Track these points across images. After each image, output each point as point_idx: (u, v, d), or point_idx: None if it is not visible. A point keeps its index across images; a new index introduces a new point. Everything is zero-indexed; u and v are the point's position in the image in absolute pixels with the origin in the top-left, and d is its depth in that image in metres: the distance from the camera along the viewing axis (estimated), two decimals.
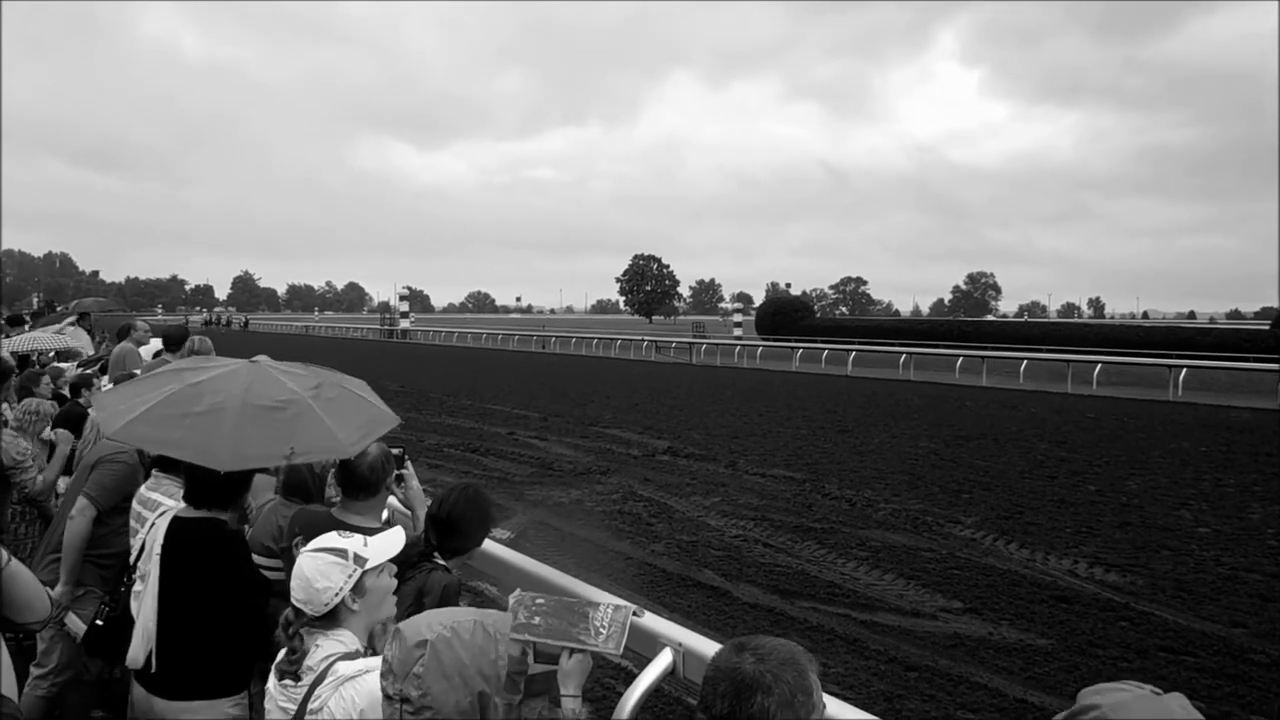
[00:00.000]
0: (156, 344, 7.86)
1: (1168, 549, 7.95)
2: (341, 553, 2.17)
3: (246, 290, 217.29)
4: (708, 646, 2.90)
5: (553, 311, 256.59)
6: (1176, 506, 9.68)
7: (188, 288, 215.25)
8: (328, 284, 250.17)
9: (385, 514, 3.09)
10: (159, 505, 3.17)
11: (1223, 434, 15.63)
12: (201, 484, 2.90)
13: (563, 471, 11.32)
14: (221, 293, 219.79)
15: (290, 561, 2.99)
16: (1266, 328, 48.44)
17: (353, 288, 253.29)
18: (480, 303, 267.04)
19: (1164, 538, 8.34)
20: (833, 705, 2.68)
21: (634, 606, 2.26)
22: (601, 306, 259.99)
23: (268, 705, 2.18)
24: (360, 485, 2.89)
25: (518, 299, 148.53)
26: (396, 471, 3.07)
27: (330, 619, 2.16)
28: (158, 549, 2.85)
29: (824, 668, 5.19)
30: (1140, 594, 6.68)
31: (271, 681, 2.17)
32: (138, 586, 2.92)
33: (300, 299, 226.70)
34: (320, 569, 2.14)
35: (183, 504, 2.98)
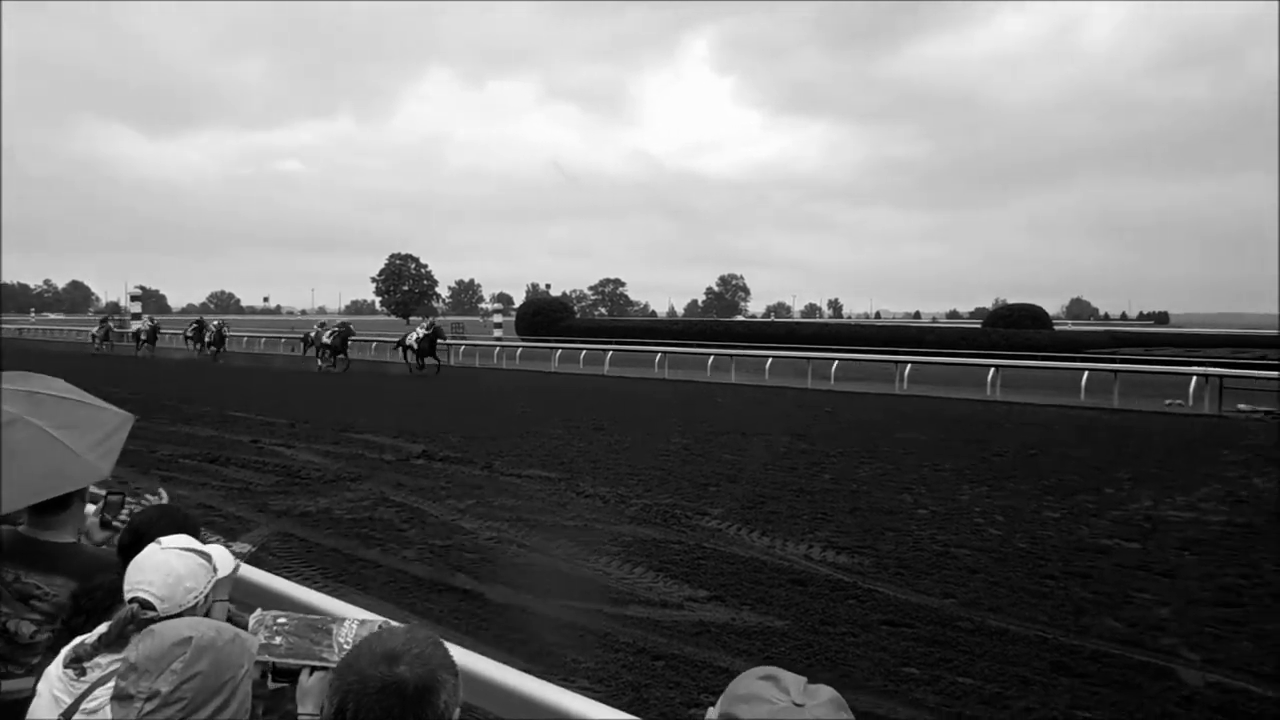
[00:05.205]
0: None
1: (892, 530, 8.62)
2: (206, 556, 2.13)
3: None
4: (463, 657, 2.89)
5: (304, 312, 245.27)
6: (900, 491, 10.51)
7: None
8: (46, 283, 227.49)
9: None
10: None
11: (941, 424, 17.14)
12: None
13: (310, 479, 10.86)
14: None
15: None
16: (979, 326, 53.68)
17: (76, 287, 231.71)
18: (224, 303, 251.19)
19: (888, 520, 9.03)
20: (582, 704, 2.74)
21: (381, 620, 2.21)
22: (356, 307, 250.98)
23: (41, 687, 1.97)
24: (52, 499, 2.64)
25: (265, 299, 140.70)
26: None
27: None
28: None
29: (575, 663, 5.28)
30: (867, 573, 7.20)
31: (56, 666, 1.97)
32: None
33: (15, 300, 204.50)
34: (191, 569, 2.06)
35: None
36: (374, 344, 41.78)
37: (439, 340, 31.21)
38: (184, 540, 2.15)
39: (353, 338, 33.84)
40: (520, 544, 8.00)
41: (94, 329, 48.97)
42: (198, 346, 41.68)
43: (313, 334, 35.75)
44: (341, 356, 32.50)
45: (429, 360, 30.57)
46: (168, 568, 2.05)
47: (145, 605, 2.01)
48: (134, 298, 61.94)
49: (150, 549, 2.10)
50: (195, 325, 43.55)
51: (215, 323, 42.09)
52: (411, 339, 31.14)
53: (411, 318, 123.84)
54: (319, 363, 32.36)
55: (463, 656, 2.83)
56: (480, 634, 5.72)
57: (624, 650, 5.52)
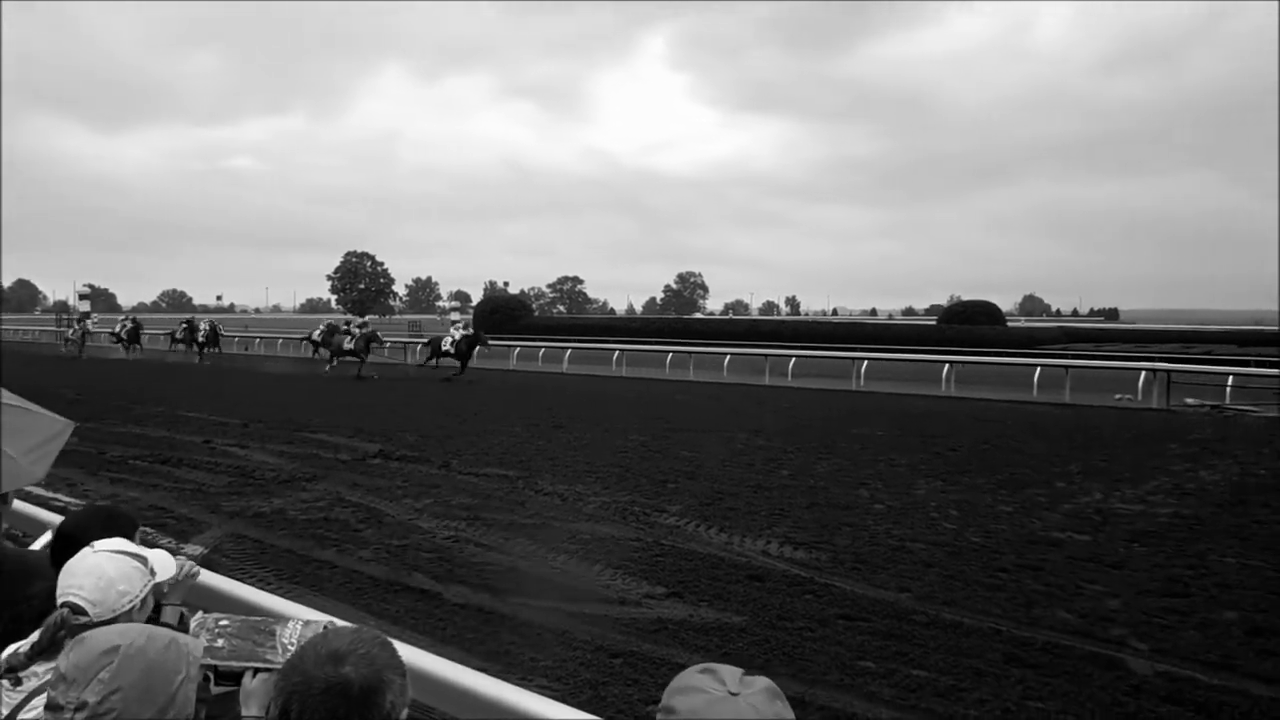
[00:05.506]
0: None
1: (848, 525, 8.68)
2: (142, 559, 2.08)
3: None
4: (418, 657, 2.87)
5: (258, 311, 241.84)
6: (856, 486, 10.60)
7: None
8: None
9: None
10: None
11: (897, 419, 17.31)
12: None
13: (264, 480, 10.71)
14: None
15: None
16: (934, 323, 54.43)
17: (23, 285, 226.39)
18: (176, 301, 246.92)
19: (845, 515, 9.10)
20: (539, 703, 2.73)
21: (327, 619, 2.19)
22: (312, 305, 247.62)
23: None
24: None
25: (218, 298, 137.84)
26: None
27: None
28: None
29: (532, 662, 5.26)
30: (823, 568, 7.25)
31: None
32: None
33: None
34: (125, 572, 2.02)
35: None
36: None
37: (478, 345, 27.44)
38: (119, 543, 2.10)
39: (376, 344, 29.78)
40: (478, 543, 7.95)
41: (68, 330, 45.64)
42: (189, 348, 38.14)
43: (316, 335, 33.06)
44: (362, 359, 28.29)
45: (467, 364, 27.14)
46: (99, 571, 2.01)
47: (76, 610, 1.97)
48: (83, 296, 60.62)
49: (83, 552, 2.06)
50: (185, 325, 39.73)
51: (208, 321, 38.73)
52: (447, 342, 27.34)
53: (369, 315, 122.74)
54: (328, 367, 28.56)
55: (418, 657, 2.81)
56: (437, 634, 5.68)
57: (582, 648, 5.51)
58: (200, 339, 37.52)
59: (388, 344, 38.23)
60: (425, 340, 30.79)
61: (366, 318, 32.04)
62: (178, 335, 39.72)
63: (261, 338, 46.21)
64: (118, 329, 41.73)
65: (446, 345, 27.33)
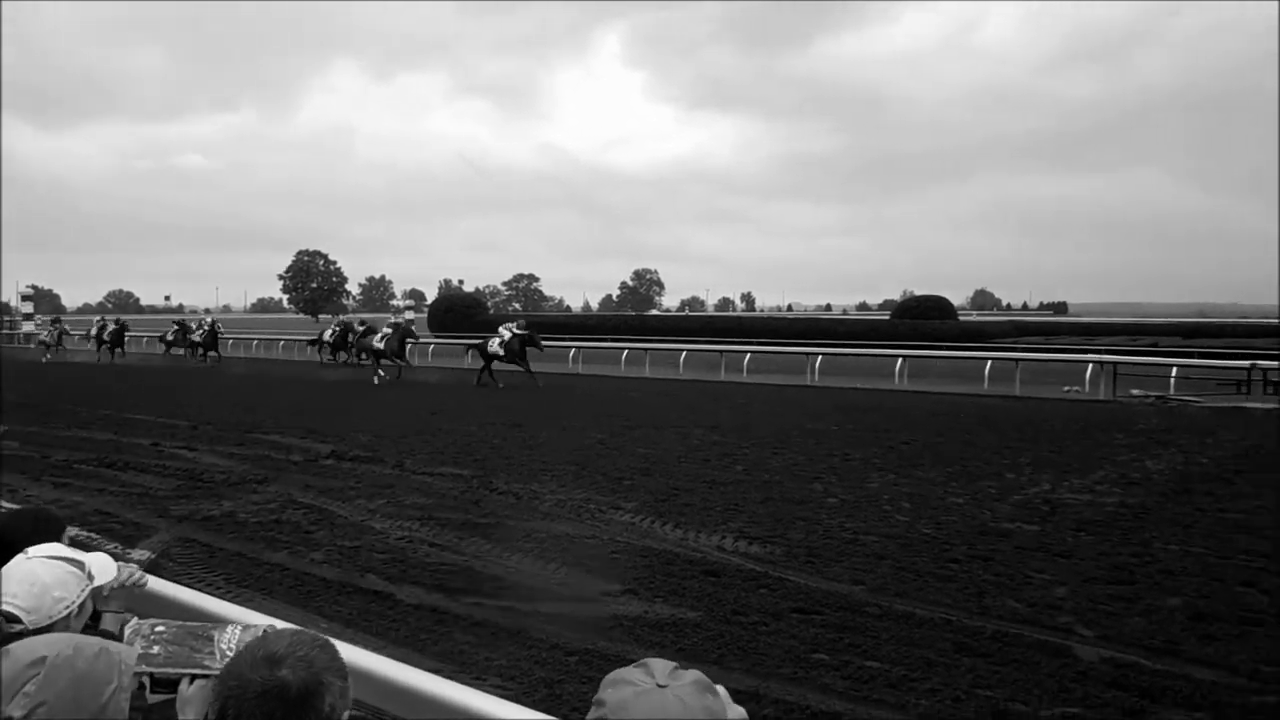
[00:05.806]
0: None
1: (802, 519, 8.74)
2: (79, 564, 2.04)
3: None
4: (367, 659, 2.84)
5: (208, 311, 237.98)
6: (810, 481, 10.67)
7: None
8: None
9: None
10: None
11: (851, 414, 17.45)
12: None
13: (214, 483, 10.55)
14: None
15: None
16: (887, 317, 55.09)
17: None
18: (123, 302, 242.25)
19: (799, 509, 9.15)
20: (491, 703, 2.72)
21: (268, 622, 2.16)
22: (263, 305, 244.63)
23: None
24: None
25: (166, 298, 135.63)
26: None
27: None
28: None
29: (486, 661, 5.24)
30: (778, 562, 7.29)
31: None
32: None
33: None
34: (60, 578, 1.98)
35: None
36: (281, 342, 40.85)
37: (531, 345, 24.81)
38: (54, 548, 2.06)
39: (412, 340, 27.59)
40: (432, 543, 7.89)
41: (42, 333, 42.43)
42: (184, 351, 36.31)
43: (329, 335, 31.90)
44: (398, 362, 26.34)
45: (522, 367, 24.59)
46: (33, 578, 1.97)
47: (10, 618, 1.92)
48: (25, 297, 59.39)
49: (17, 559, 2.02)
50: (177, 326, 37.79)
51: (207, 321, 36.60)
52: (495, 343, 24.90)
53: (322, 315, 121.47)
54: (379, 373, 25.87)
55: (364, 658, 2.79)
56: (390, 635, 5.63)
57: (536, 646, 5.49)
58: (196, 340, 35.77)
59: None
60: (474, 344, 27.94)
61: (404, 316, 28.84)
62: (168, 338, 38.00)
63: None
64: (95, 330, 39.09)
65: (495, 348, 24.87)
